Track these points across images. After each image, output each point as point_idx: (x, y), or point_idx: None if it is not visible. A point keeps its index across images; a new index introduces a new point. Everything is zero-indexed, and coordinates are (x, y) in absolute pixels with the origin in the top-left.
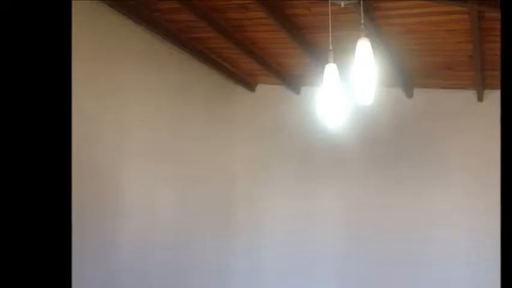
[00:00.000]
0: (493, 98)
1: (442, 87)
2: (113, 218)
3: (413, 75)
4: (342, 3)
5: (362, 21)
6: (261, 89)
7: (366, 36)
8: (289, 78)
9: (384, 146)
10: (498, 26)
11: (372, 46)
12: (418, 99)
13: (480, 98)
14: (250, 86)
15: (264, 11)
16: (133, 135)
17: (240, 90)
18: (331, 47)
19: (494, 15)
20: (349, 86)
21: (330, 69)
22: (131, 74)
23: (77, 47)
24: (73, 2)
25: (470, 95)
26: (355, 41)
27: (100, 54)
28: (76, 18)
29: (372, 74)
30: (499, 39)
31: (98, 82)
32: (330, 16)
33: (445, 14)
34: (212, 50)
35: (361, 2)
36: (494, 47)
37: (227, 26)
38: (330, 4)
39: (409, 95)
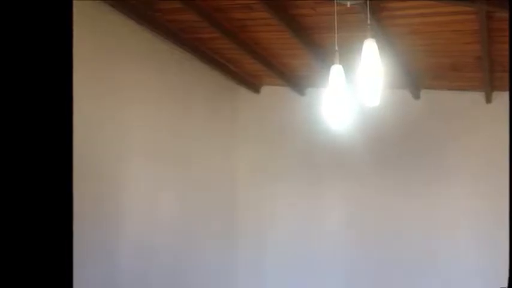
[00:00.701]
0: (502, 100)
1: (450, 89)
2: (113, 218)
3: (420, 76)
4: (348, 3)
5: (368, 22)
6: (265, 90)
7: (372, 36)
8: (293, 79)
9: (390, 147)
10: (507, 26)
11: (378, 47)
12: (425, 100)
13: (489, 100)
14: (255, 87)
15: (268, 11)
16: (134, 135)
17: (243, 91)
18: (336, 48)
19: (504, 15)
20: (355, 87)
21: (336, 70)
22: (132, 74)
23: (77, 46)
24: (74, 1)
25: (479, 96)
26: (361, 42)
27: (101, 54)
28: (77, 18)
29: (378, 75)
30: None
31: (98, 82)
32: (335, 16)
33: (452, 14)
34: (215, 50)
35: (367, 2)
36: (504, 48)
37: (230, 27)
38: (335, 4)
39: (416, 96)
